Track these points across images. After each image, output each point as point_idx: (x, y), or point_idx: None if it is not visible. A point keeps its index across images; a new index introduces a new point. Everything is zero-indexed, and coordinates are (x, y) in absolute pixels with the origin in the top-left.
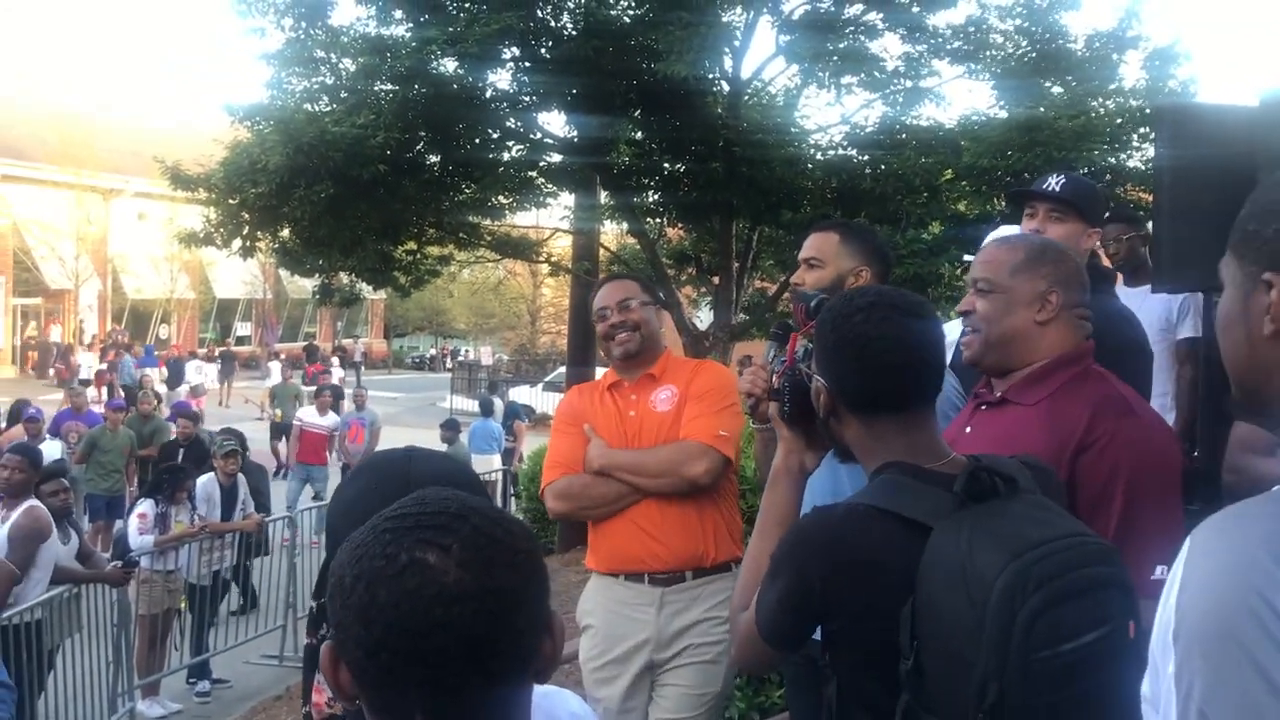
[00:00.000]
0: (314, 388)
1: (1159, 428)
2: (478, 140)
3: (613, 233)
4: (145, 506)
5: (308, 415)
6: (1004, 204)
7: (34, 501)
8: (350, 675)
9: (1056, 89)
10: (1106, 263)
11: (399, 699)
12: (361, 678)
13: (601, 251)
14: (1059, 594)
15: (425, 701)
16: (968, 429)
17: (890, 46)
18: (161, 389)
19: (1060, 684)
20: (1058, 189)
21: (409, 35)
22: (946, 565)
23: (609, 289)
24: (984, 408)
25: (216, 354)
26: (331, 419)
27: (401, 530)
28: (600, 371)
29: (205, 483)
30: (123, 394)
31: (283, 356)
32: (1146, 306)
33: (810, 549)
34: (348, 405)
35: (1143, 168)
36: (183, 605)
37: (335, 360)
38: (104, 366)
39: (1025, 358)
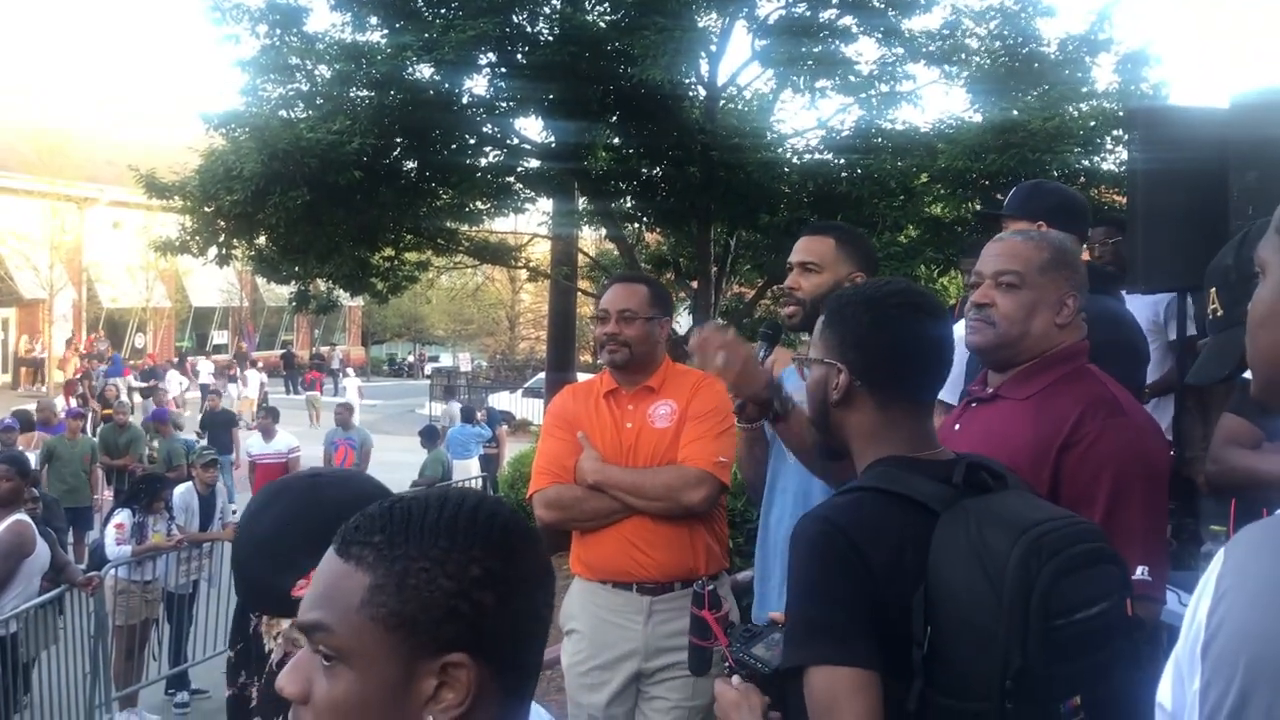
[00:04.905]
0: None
1: (1149, 429)
2: (454, 146)
3: (591, 238)
4: (122, 516)
5: (254, 445)
6: (977, 207)
7: (21, 515)
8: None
9: (1031, 93)
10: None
11: None
12: None
13: (580, 256)
14: (1067, 565)
15: None
16: (957, 426)
17: (865, 51)
18: (135, 398)
19: (1075, 654)
20: (1010, 204)
21: (384, 42)
22: (959, 546)
23: (617, 292)
24: (974, 405)
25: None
26: (282, 440)
27: None
28: (580, 376)
29: (183, 492)
30: (98, 405)
31: (260, 364)
32: (1134, 308)
33: (850, 534)
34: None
35: (1116, 170)
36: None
37: (350, 371)
38: (75, 376)
39: (1033, 357)
